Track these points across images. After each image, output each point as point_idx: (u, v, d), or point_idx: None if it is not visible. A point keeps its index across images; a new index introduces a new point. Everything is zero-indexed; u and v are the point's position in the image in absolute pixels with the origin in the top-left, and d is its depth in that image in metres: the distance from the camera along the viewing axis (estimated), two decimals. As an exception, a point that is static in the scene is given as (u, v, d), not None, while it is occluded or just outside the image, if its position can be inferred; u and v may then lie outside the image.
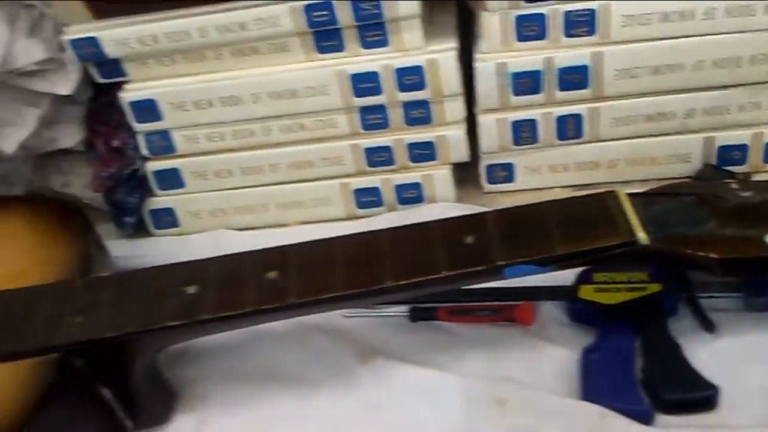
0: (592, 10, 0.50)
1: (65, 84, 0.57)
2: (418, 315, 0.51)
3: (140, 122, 0.57)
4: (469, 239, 0.41)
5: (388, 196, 0.60)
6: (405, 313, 0.51)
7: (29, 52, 0.54)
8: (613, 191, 0.41)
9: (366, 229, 0.43)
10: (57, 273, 0.47)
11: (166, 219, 0.62)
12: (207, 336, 0.44)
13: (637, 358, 0.45)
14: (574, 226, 0.40)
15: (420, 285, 0.40)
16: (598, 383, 0.43)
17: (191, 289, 0.42)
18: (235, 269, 0.43)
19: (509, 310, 0.49)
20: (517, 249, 0.40)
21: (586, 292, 0.47)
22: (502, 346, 0.48)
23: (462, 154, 0.58)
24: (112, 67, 0.56)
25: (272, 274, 0.42)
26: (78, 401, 0.42)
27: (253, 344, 0.51)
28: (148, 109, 0.57)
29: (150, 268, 0.45)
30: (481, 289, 0.50)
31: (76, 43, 0.54)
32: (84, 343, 0.41)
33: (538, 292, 0.49)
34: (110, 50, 0.54)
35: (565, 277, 0.48)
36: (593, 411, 0.42)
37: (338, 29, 0.53)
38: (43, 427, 0.38)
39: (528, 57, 0.52)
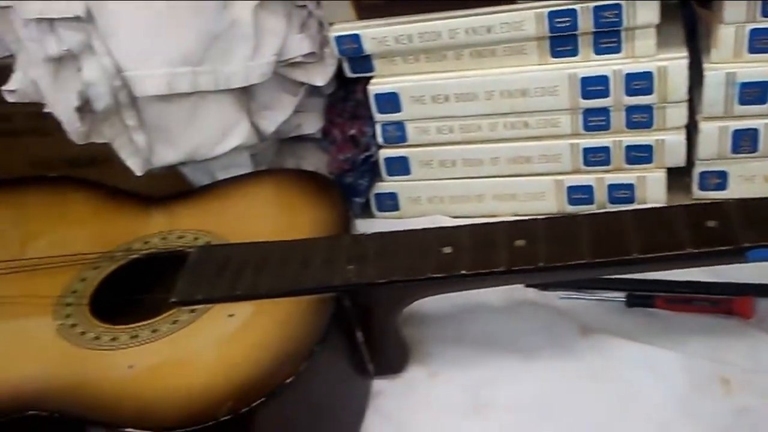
0: (829, 26, 0.53)
1: (321, 76, 0.65)
2: (635, 301, 0.54)
3: (381, 113, 0.65)
4: (711, 223, 0.44)
5: (600, 194, 0.64)
6: (621, 299, 0.55)
7: (299, 45, 0.62)
8: None
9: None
10: (324, 233, 0.54)
11: (389, 203, 0.69)
12: (459, 291, 0.50)
13: None
14: (819, 217, 0.43)
15: (665, 260, 0.44)
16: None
17: (447, 250, 0.48)
18: (486, 236, 0.49)
19: (728, 303, 0.52)
20: (762, 233, 0.43)
21: (812, 290, 0.49)
22: (721, 334, 0.51)
23: (679, 159, 0.61)
24: (364, 62, 0.64)
25: (520, 242, 0.47)
26: (340, 339, 0.49)
27: (471, 314, 0.56)
28: (390, 102, 0.64)
29: (406, 230, 0.51)
30: (700, 282, 0.53)
31: (340, 39, 0.62)
32: (357, 286, 0.48)
33: (760, 289, 0.52)
34: (368, 47, 0.62)
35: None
36: (824, 395, 0.44)
37: (575, 35, 0.58)
38: (321, 356, 0.45)
39: (758, 68, 0.55)
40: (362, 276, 0.48)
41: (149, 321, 0.49)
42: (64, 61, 0.59)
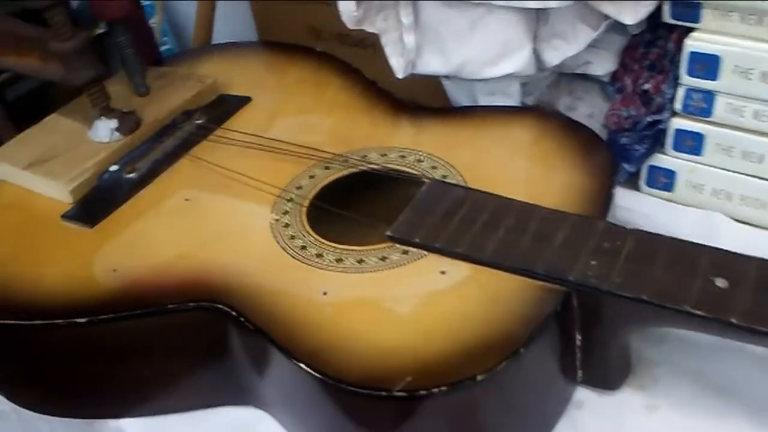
0: None
1: (632, 14, 0.54)
2: None
3: (691, 75, 0.53)
4: None
5: None
6: None
7: (612, -28, 0.52)
8: None
9: None
10: (575, 203, 0.46)
11: (663, 180, 0.58)
12: (720, 337, 0.40)
13: None
14: None
15: None
16: None
17: (720, 282, 0.38)
18: (779, 281, 0.38)
19: None
20: None
21: None
22: None
23: None
24: (690, 10, 0.51)
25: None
26: (555, 337, 0.41)
27: (722, 354, 0.46)
28: (706, 65, 0.52)
29: (675, 239, 0.42)
30: None
31: (677, -23, 0.50)
32: (594, 289, 0.40)
33: None
34: (704, -8, 0.50)
35: None
36: None
37: None
38: (528, 352, 0.38)
39: None
40: (604, 280, 0.40)
41: (359, 248, 0.45)
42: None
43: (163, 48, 1.14)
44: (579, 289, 0.40)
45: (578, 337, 0.43)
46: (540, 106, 0.62)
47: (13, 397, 0.48)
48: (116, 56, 0.61)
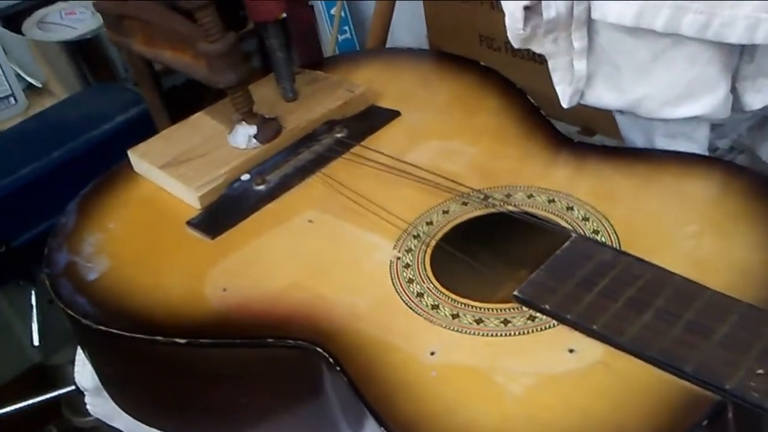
0: None
1: None
2: None
3: None
4: None
5: None
6: None
7: None
8: None
9: None
10: (751, 287, 0.37)
11: None
12: None
13: None
14: None
15: None
16: None
17: None
18: None
19: None
20: None
21: None
22: None
23: None
24: None
25: None
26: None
27: None
28: None
29: None
30: None
31: None
32: (752, 404, 0.32)
33: None
34: None
35: None
36: None
37: None
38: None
39: None
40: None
41: (480, 305, 0.40)
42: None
43: (341, 37, 1.14)
44: (736, 401, 0.32)
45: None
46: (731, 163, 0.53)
47: (114, 398, 0.48)
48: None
